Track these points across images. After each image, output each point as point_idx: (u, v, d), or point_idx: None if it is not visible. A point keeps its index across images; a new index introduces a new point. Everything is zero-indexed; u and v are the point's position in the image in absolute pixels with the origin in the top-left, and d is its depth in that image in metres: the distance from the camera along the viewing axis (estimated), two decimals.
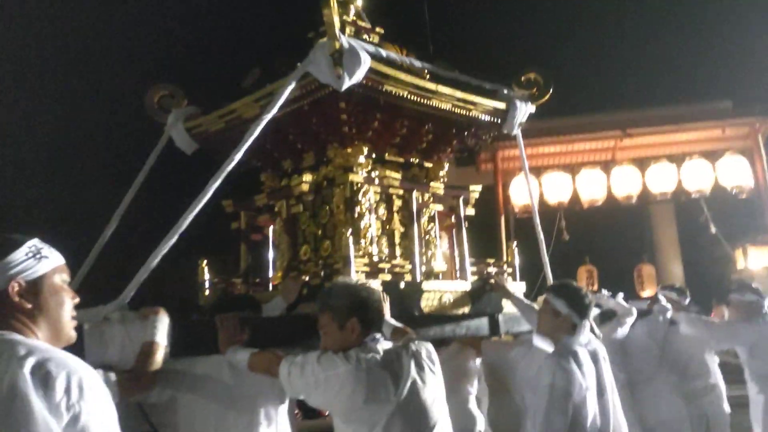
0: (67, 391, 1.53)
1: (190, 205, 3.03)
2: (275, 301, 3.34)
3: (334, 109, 3.51)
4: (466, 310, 3.83)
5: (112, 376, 2.33)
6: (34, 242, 1.76)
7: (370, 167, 3.78)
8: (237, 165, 3.17)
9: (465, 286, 3.89)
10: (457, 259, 4.10)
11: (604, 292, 4.64)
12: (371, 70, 3.26)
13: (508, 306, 3.99)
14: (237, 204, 4.14)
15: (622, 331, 4.46)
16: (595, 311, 3.81)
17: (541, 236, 4.64)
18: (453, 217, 4.10)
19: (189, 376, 2.72)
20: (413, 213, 3.85)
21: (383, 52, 3.42)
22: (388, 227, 3.85)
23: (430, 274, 3.90)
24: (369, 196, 3.74)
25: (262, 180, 4.33)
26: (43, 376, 1.52)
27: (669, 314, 4.88)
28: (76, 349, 1.79)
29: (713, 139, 11.37)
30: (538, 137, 10.51)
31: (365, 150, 3.73)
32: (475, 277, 4.03)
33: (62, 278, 1.81)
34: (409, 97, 3.54)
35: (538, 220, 4.68)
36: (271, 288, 4.05)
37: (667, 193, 10.97)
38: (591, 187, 10.82)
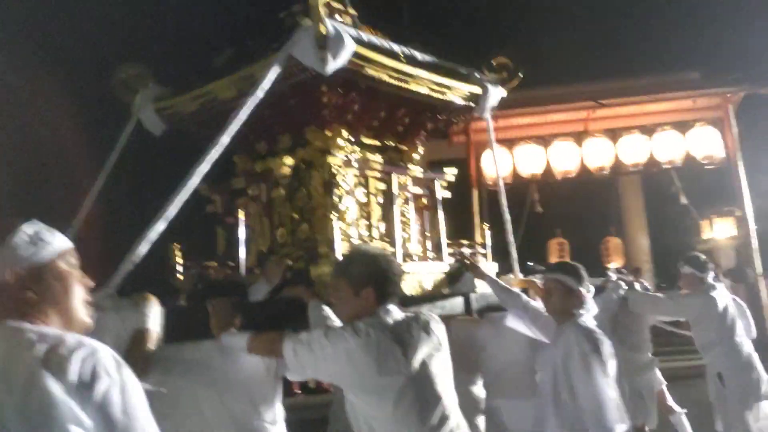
0: (82, 373, 1.50)
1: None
2: (258, 285, 3.33)
3: (316, 92, 3.50)
4: (442, 290, 3.91)
5: None
6: (34, 227, 1.71)
7: (348, 150, 3.79)
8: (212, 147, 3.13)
9: (442, 267, 3.96)
10: (434, 241, 4.17)
11: None
12: (354, 53, 3.26)
13: (481, 286, 4.09)
14: (212, 187, 4.08)
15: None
16: None
17: (507, 216, 4.74)
18: (429, 199, 4.15)
19: (181, 362, 2.71)
20: (391, 195, 3.89)
21: (365, 36, 3.42)
22: (366, 210, 3.87)
23: (407, 256, 3.96)
24: (347, 179, 3.76)
25: (235, 162, 4.28)
26: (58, 361, 1.50)
27: (621, 291, 5.12)
28: None
29: (684, 110, 11.43)
30: (510, 108, 10.48)
31: (344, 132, 3.74)
32: (452, 259, 4.11)
33: (69, 263, 1.74)
34: (388, 80, 3.56)
35: (504, 201, 4.76)
36: (245, 272, 4.03)
37: (638, 164, 11.06)
38: (564, 159, 10.81)
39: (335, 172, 3.67)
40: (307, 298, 3.03)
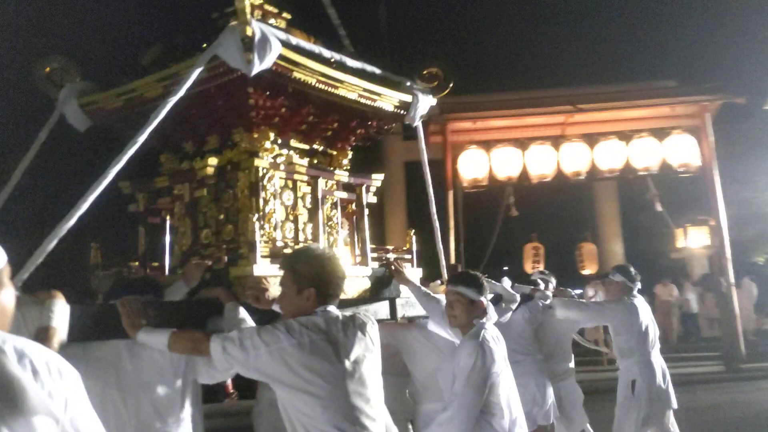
0: (49, 372, 1.51)
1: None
2: (176, 285, 3.30)
3: (242, 93, 3.49)
4: (367, 295, 3.95)
5: None
6: None
7: (275, 152, 3.80)
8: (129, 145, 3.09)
9: (366, 271, 4.00)
10: (359, 246, 4.20)
11: (506, 280, 4.86)
12: (281, 56, 3.27)
13: (405, 291, 4.15)
14: (135, 185, 4.01)
15: (505, 316, 4.77)
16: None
17: (437, 224, 4.80)
18: (355, 204, 4.19)
19: (84, 361, 2.64)
20: (317, 199, 3.90)
21: (293, 40, 3.44)
22: (292, 213, 3.88)
23: None
24: (274, 182, 3.76)
25: (161, 161, 4.22)
26: (27, 361, 1.49)
27: (548, 301, 5.28)
28: None
29: (662, 117, 11.50)
30: (487, 110, 10.33)
31: (271, 135, 3.75)
32: (376, 264, 4.15)
33: None
34: (316, 85, 3.58)
35: (434, 209, 4.81)
36: (168, 272, 3.97)
37: (615, 170, 11.05)
38: (541, 163, 10.73)
39: (261, 174, 3.67)
40: (225, 300, 3.02)
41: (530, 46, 11.90)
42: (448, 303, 3.47)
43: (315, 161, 4.08)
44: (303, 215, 3.93)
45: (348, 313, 2.55)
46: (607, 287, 5.83)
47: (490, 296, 3.58)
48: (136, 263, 3.99)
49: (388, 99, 4.06)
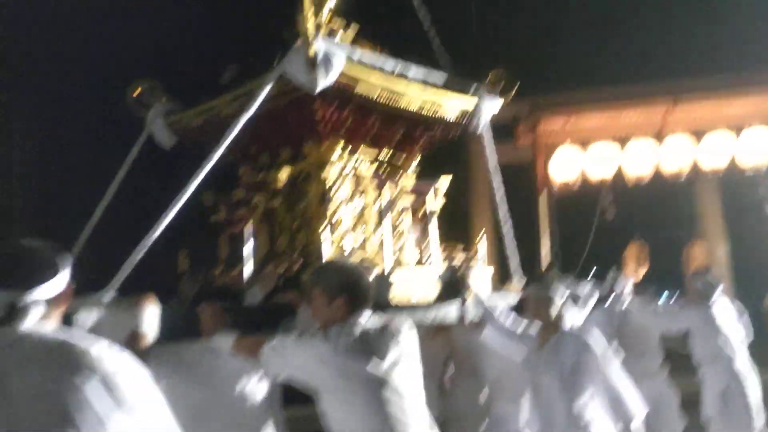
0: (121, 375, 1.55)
1: (170, 197, 3.20)
2: (252, 291, 3.53)
3: (309, 108, 3.69)
4: (435, 298, 4.05)
5: None
6: None
7: (344, 162, 3.97)
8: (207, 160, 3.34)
9: (435, 275, 4.10)
10: (428, 249, 4.31)
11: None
12: (343, 74, 3.44)
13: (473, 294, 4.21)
14: (217, 197, 4.30)
15: (582, 316, 4.73)
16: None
17: (509, 226, 4.83)
18: (422, 208, 4.30)
19: (171, 363, 2.88)
20: (385, 205, 4.05)
21: (356, 55, 3.60)
22: (361, 219, 4.04)
23: (401, 264, 4.11)
24: (343, 190, 3.93)
25: (240, 174, 4.49)
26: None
27: (626, 303, 5.17)
28: None
29: None
30: (581, 105, 9.78)
31: (339, 146, 3.92)
32: (444, 266, 4.25)
33: None
34: (378, 99, 3.73)
35: (505, 212, 4.83)
36: (248, 279, 4.22)
37: (719, 170, 10.14)
38: (638, 162, 10.09)
39: (330, 183, 3.86)
40: (297, 303, 3.20)
41: (624, 39, 11.27)
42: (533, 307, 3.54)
43: (382, 169, 4.23)
44: (372, 221, 4.08)
45: (383, 321, 2.58)
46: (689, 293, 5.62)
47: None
48: (218, 271, 4.27)
49: (451, 108, 4.15)
